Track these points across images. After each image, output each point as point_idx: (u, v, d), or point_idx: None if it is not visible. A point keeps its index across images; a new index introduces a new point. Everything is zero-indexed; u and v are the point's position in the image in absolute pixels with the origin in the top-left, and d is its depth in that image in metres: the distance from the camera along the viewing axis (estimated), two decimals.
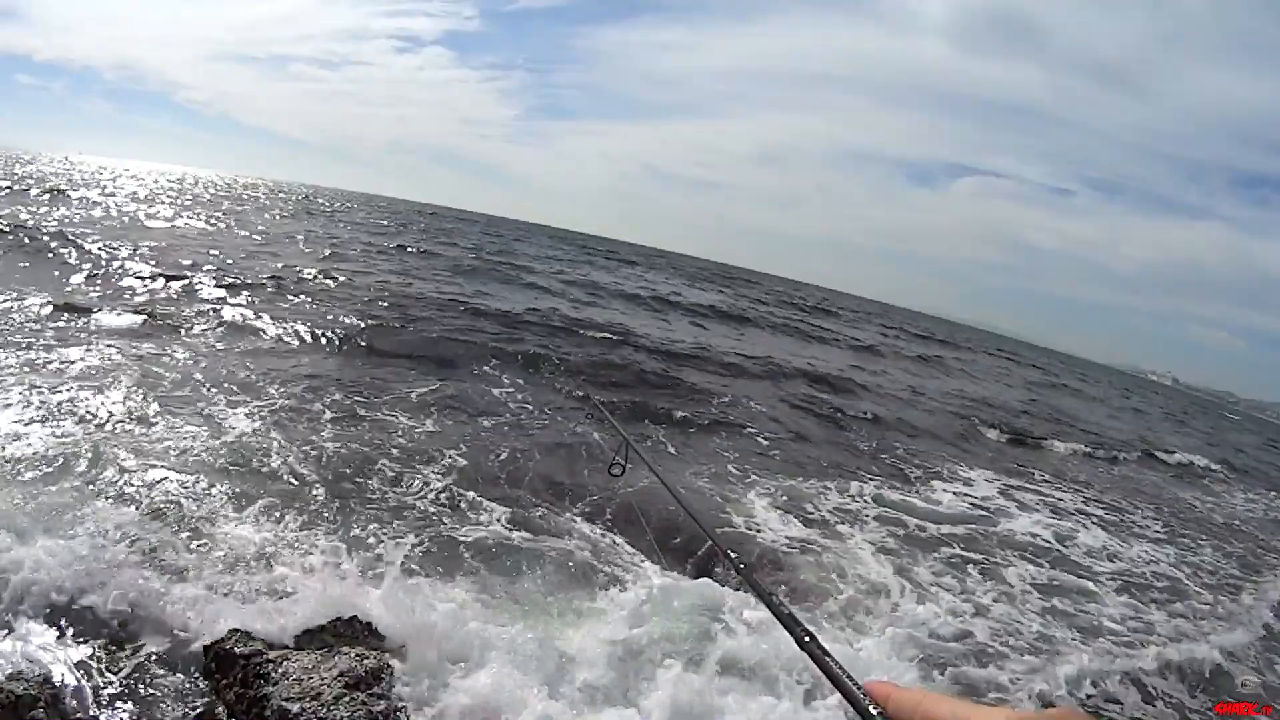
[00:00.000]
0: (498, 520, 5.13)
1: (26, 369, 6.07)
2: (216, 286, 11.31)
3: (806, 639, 0.82)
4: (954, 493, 8.59)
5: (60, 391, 5.65)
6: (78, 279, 10.50)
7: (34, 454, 4.54)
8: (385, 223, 40.94)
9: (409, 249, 24.83)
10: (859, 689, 0.66)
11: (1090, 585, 6.55)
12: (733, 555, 1.18)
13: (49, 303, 8.40)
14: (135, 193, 32.50)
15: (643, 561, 4.93)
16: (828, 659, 0.76)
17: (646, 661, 3.70)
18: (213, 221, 23.14)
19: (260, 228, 23.73)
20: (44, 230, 14.14)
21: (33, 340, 6.97)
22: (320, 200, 60.91)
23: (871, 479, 8.29)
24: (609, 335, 13.79)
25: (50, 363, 6.36)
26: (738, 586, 4.34)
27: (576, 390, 9.13)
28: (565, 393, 9.08)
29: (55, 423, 5.07)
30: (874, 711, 0.62)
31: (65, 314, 8.17)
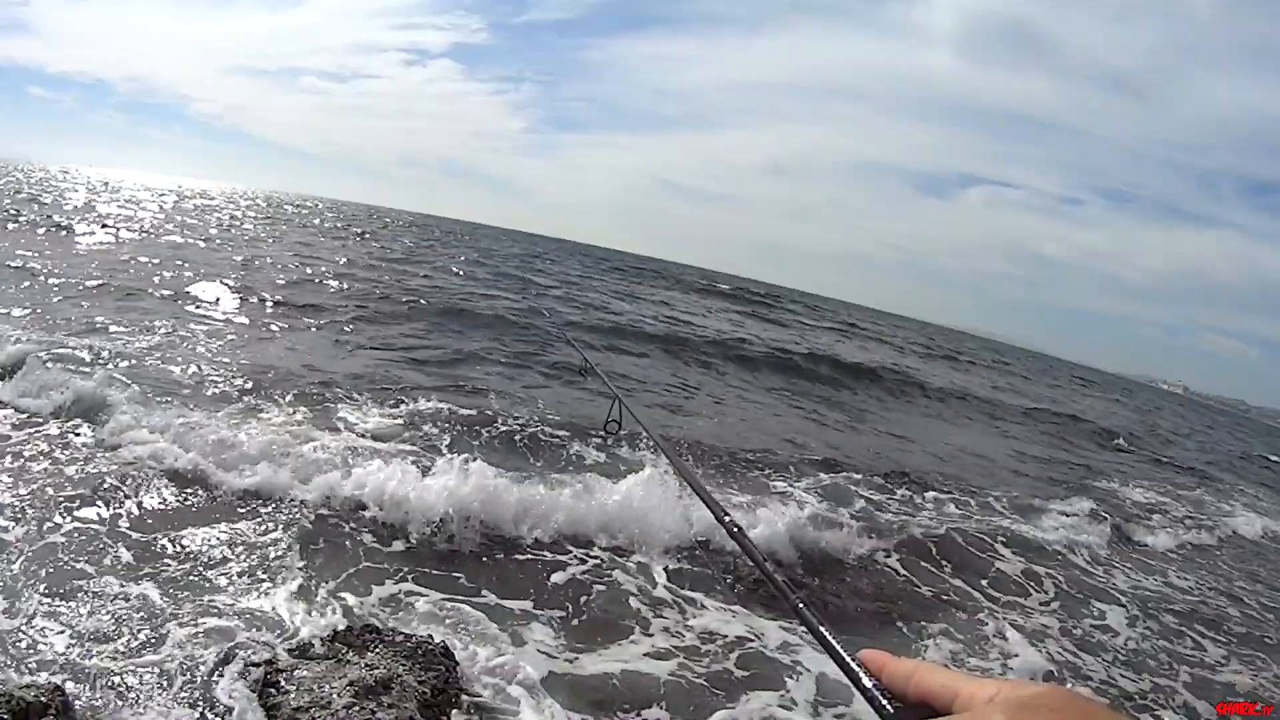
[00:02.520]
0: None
1: None
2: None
3: (800, 605, 0.80)
4: None
5: None
6: None
7: None
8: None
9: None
10: (853, 658, 0.65)
11: None
12: (726, 519, 1.15)
13: None
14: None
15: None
16: (822, 627, 0.74)
17: None
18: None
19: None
20: None
21: None
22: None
23: None
24: None
25: None
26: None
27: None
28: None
29: None
30: (868, 682, 0.62)
31: None
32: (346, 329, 11.03)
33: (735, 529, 1.10)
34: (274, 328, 10.31)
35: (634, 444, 6.58)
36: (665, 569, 4.96)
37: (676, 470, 1.39)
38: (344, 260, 20.77)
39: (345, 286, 15.15)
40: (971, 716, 0.51)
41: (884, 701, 0.59)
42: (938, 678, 0.57)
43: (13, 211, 20.57)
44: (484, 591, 4.28)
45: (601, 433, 2.36)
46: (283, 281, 14.62)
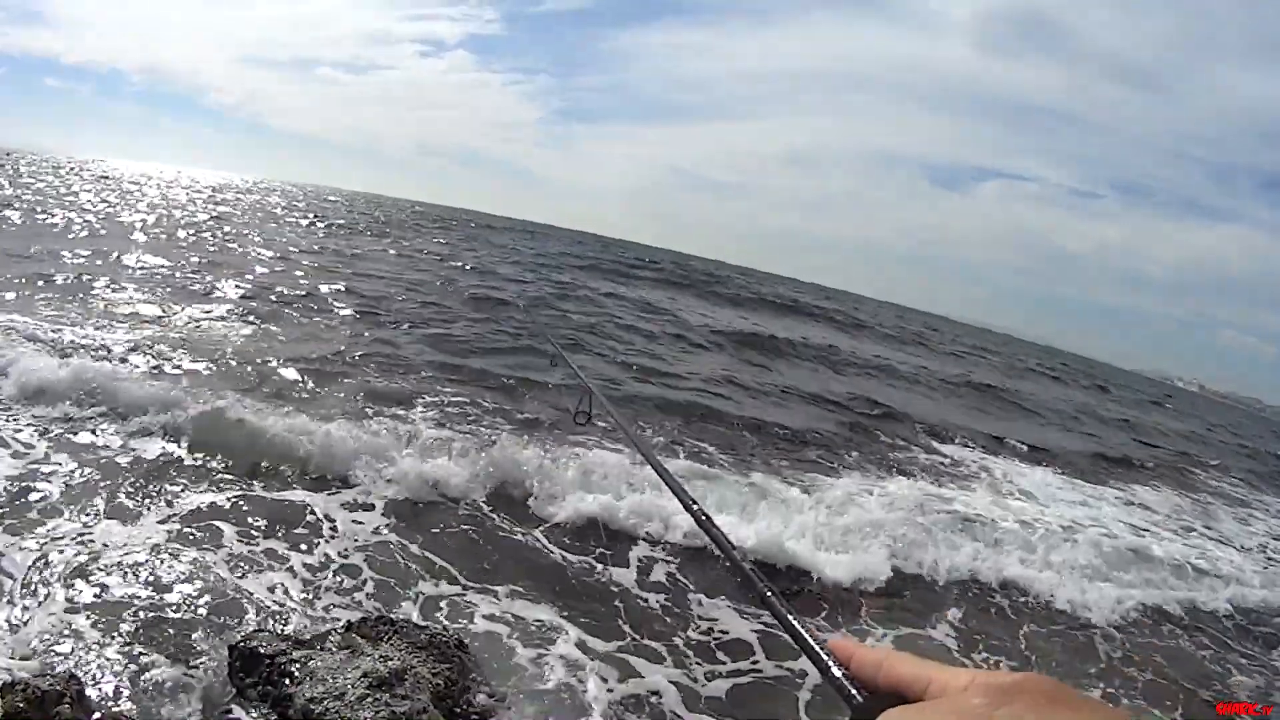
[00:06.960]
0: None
1: None
2: None
3: (769, 594, 0.78)
4: None
5: None
6: None
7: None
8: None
9: None
10: (822, 647, 0.64)
11: None
12: (695, 507, 1.13)
13: None
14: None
15: None
16: (790, 616, 0.72)
17: None
18: None
19: None
20: None
21: None
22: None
23: None
24: None
25: None
26: None
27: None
28: None
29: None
30: (836, 671, 0.60)
31: None
32: None
33: (703, 517, 1.08)
34: None
35: None
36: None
37: (646, 459, 1.36)
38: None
39: None
40: (949, 701, 0.50)
41: (853, 690, 0.58)
42: (908, 666, 0.56)
43: None
44: (500, 582, 4.27)
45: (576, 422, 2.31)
46: None
